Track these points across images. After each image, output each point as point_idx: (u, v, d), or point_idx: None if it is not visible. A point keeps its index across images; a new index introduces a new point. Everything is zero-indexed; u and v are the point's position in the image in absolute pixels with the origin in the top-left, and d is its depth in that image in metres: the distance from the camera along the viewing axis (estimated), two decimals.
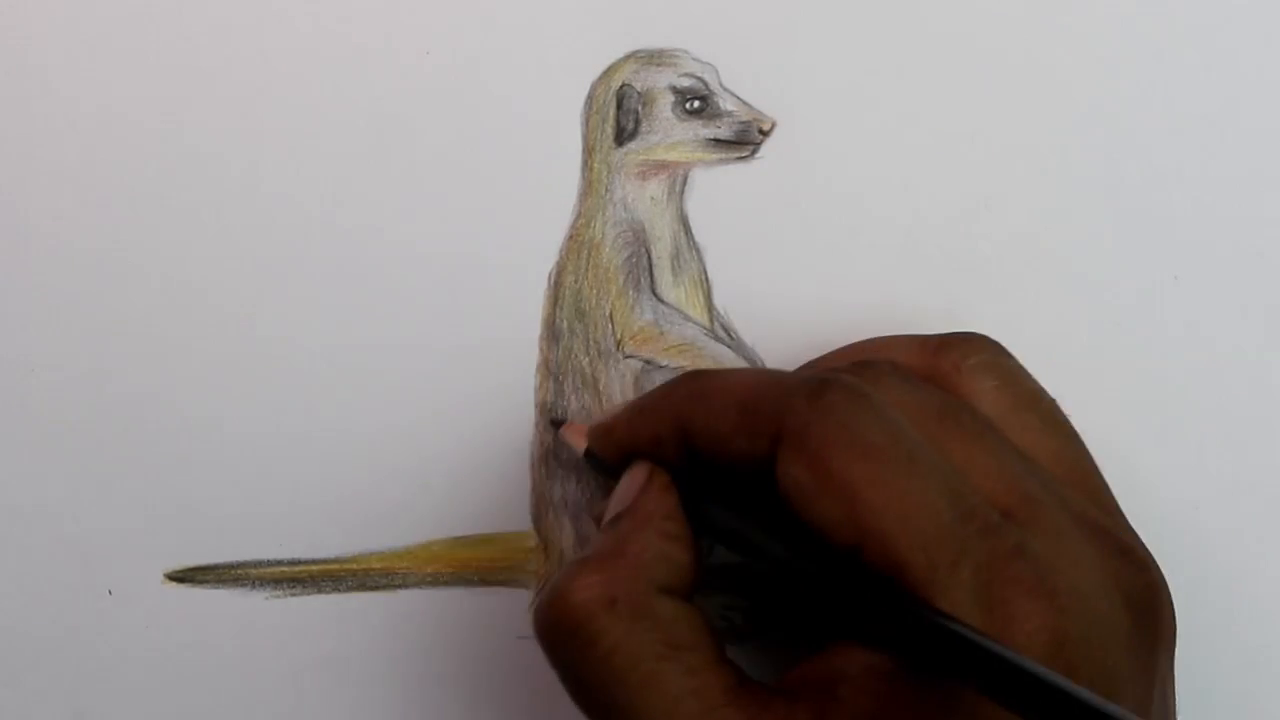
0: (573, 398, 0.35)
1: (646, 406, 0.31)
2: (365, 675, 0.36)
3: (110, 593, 0.36)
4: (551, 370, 0.35)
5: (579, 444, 0.33)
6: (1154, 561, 0.30)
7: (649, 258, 0.35)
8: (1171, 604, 0.30)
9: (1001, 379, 0.31)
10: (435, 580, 0.36)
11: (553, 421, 0.35)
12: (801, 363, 0.35)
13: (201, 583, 0.36)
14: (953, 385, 0.31)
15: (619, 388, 0.35)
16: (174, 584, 0.36)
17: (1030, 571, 0.26)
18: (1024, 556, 0.26)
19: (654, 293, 0.35)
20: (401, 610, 0.36)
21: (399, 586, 0.36)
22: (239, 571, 0.36)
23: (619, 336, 0.35)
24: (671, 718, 0.27)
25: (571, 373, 0.35)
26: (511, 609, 0.36)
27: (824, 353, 0.34)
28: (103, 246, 0.35)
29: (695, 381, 0.30)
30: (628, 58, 0.35)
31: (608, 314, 0.35)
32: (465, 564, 0.36)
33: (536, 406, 0.35)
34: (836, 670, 0.27)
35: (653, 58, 0.35)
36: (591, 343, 0.35)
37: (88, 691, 0.36)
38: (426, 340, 0.35)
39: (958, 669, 0.25)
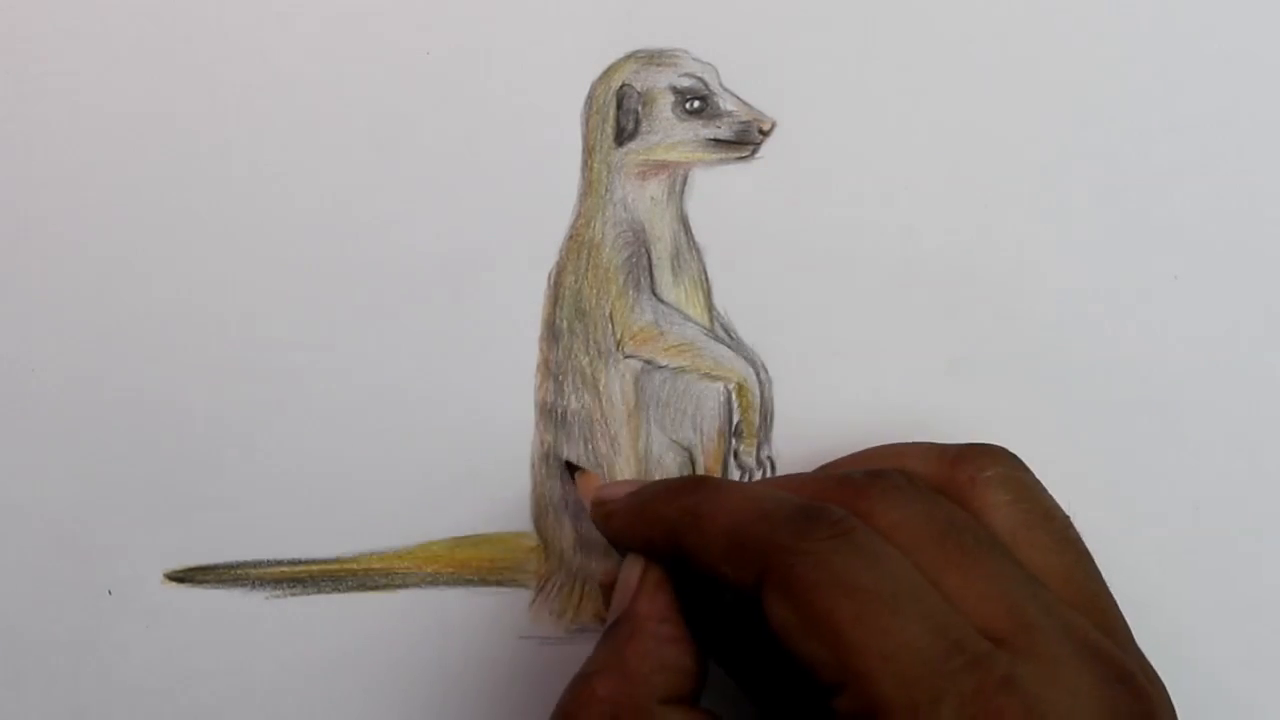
0: (573, 398, 0.35)
1: (645, 507, 0.31)
2: (365, 675, 0.36)
3: (110, 593, 0.36)
4: (551, 370, 0.35)
5: (586, 496, 0.33)
6: (1158, 687, 0.30)
7: (649, 258, 0.35)
8: None
9: (1016, 494, 0.31)
10: (435, 580, 0.36)
11: (567, 465, 0.35)
12: (802, 364, 0.35)
13: (201, 583, 0.36)
14: (966, 498, 0.31)
15: (619, 387, 0.35)
16: (174, 584, 0.36)
17: (1018, 704, 0.26)
18: (1012, 687, 0.26)
19: (654, 293, 0.35)
20: (401, 610, 0.36)
21: (399, 586, 0.36)
22: (239, 571, 0.36)
23: (619, 336, 0.35)
24: None
25: (571, 373, 0.35)
26: (511, 609, 0.36)
27: (826, 354, 0.35)
28: (103, 246, 0.35)
29: (692, 494, 0.30)
30: (628, 58, 0.35)
31: (608, 314, 0.35)
32: (465, 564, 0.36)
33: (536, 406, 0.35)
34: None
35: (653, 58, 0.35)
36: (591, 343, 0.35)
37: (88, 691, 0.36)
38: (427, 340, 0.35)
39: None
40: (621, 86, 0.35)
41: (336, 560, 0.36)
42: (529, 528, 0.36)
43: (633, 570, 0.31)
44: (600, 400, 0.35)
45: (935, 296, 0.35)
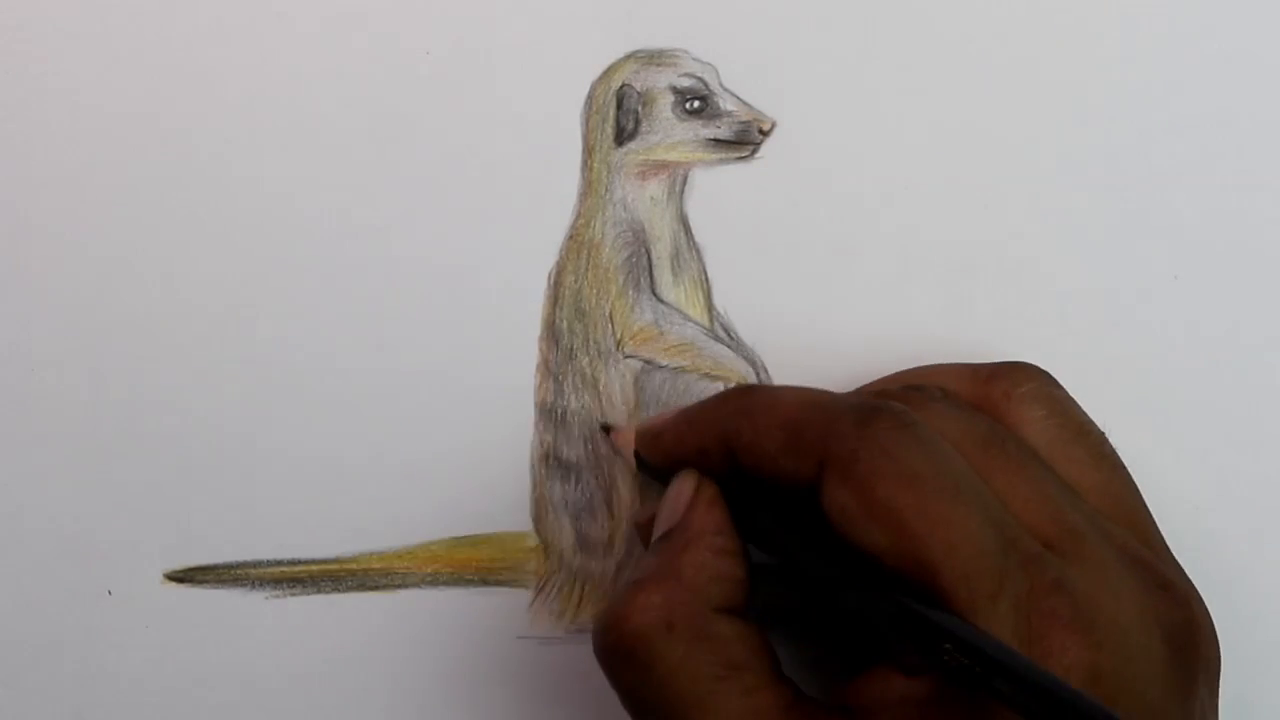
0: (573, 398, 0.35)
1: (694, 417, 0.31)
2: (365, 675, 0.36)
3: (110, 593, 0.36)
4: (551, 370, 0.35)
5: (626, 449, 0.33)
6: (1196, 596, 0.30)
7: (649, 258, 0.35)
8: (1214, 638, 0.30)
9: (1051, 409, 0.31)
10: (435, 580, 0.36)
11: (603, 427, 0.35)
12: (802, 364, 0.35)
13: (201, 583, 0.36)
14: (1002, 414, 0.31)
15: (619, 388, 0.35)
16: (174, 584, 0.36)
17: (1068, 605, 0.27)
18: (1063, 590, 0.27)
19: (654, 293, 0.35)
20: (401, 610, 0.36)
21: (399, 586, 0.36)
22: (239, 571, 0.36)
23: (619, 336, 0.35)
24: None
25: (571, 373, 0.35)
26: (511, 609, 0.36)
27: (826, 355, 0.35)
28: (103, 246, 0.35)
29: (743, 397, 0.30)
30: (628, 58, 0.35)
31: (608, 314, 0.35)
32: (465, 564, 0.36)
33: (536, 406, 0.35)
34: (873, 697, 0.28)
35: (653, 58, 0.35)
36: (591, 343, 0.35)
37: (88, 691, 0.36)
38: (427, 340, 0.35)
39: (999, 693, 0.25)
40: (621, 86, 0.35)
41: (336, 560, 0.36)
42: (529, 528, 0.36)
43: (685, 484, 0.31)
44: (600, 400, 0.35)
45: (935, 296, 0.35)
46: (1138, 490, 0.31)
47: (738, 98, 0.35)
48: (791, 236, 0.35)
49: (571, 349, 0.35)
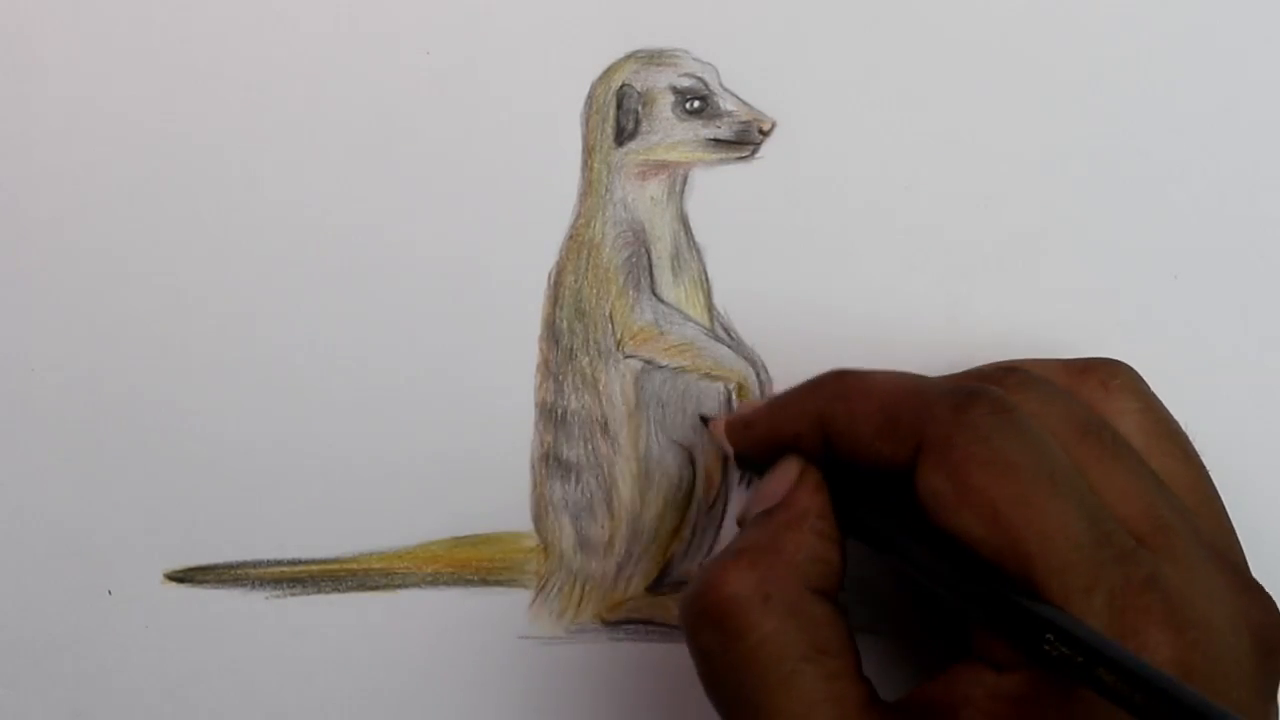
0: (573, 398, 0.35)
1: (789, 402, 0.31)
2: (365, 675, 0.36)
3: (110, 593, 0.36)
4: (551, 370, 0.35)
5: (727, 446, 0.33)
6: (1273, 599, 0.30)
7: (649, 258, 0.35)
8: None
9: (1144, 403, 0.31)
10: (435, 580, 0.36)
11: (701, 418, 0.35)
12: (802, 364, 0.35)
13: (201, 583, 0.36)
14: (1096, 403, 0.31)
15: (619, 388, 0.35)
16: (174, 584, 0.36)
17: (1162, 602, 0.26)
18: (1157, 586, 0.26)
19: (654, 293, 0.35)
20: (401, 610, 0.36)
21: (399, 586, 0.36)
22: (239, 571, 0.36)
23: (619, 336, 0.35)
24: None
25: (571, 373, 0.35)
26: (511, 609, 0.36)
27: (826, 354, 0.34)
28: (103, 246, 0.35)
29: (839, 382, 0.30)
30: (628, 58, 0.35)
31: (608, 314, 0.35)
32: (465, 564, 0.36)
33: (536, 406, 0.35)
34: (960, 693, 0.27)
35: (653, 58, 0.35)
36: (591, 343, 0.35)
37: (88, 691, 0.36)
38: (427, 340, 0.35)
39: (1101, 684, 0.25)
40: (621, 86, 0.35)
41: (336, 560, 0.36)
42: (529, 528, 0.36)
43: (791, 467, 0.30)
44: (600, 400, 0.35)
45: (935, 296, 0.35)
46: (1219, 494, 0.31)
47: (738, 98, 0.35)
48: (791, 236, 0.35)
49: (571, 349, 0.35)
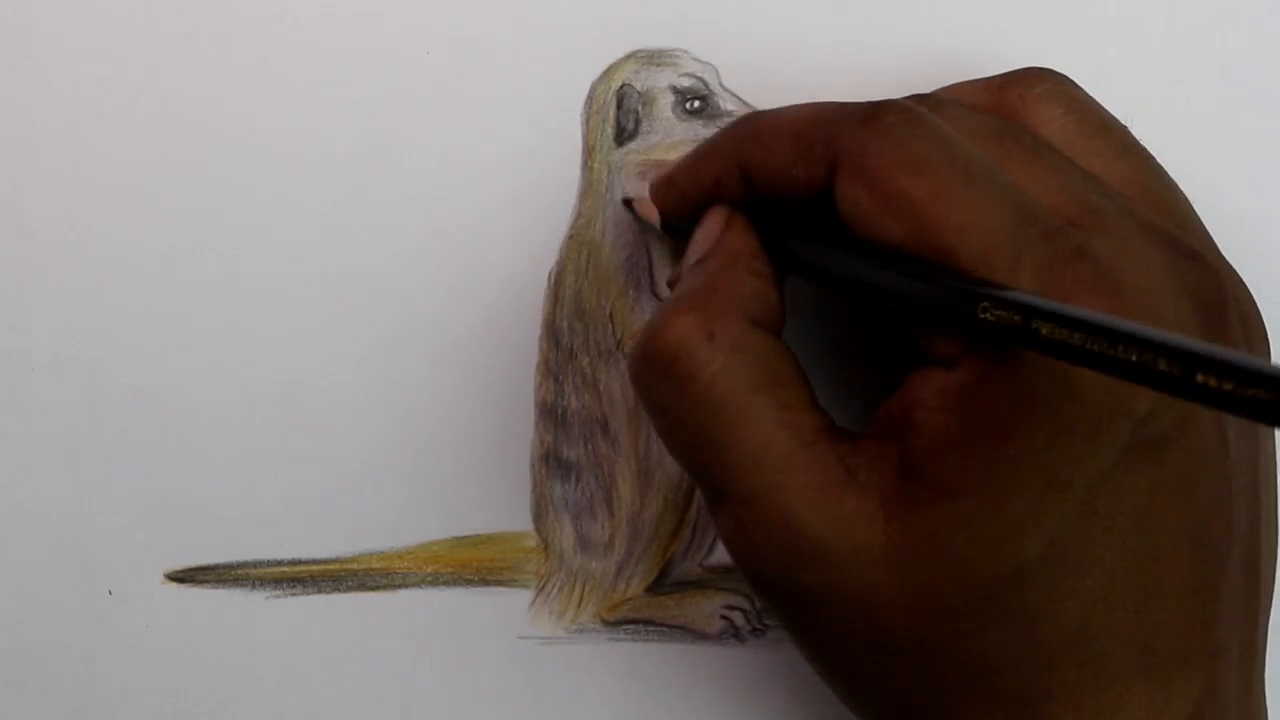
0: (573, 398, 0.35)
1: (704, 152, 0.31)
2: (365, 675, 0.36)
3: (110, 593, 0.36)
4: (551, 370, 0.35)
5: (652, 214, 0.33)
6: (1229, 268, 0.29)
7: (649, 258, 0.35)
8: (1252, 306, 0.30)
9: (1068, 106, 0.31)
10: (435, 580, 0.36)
11: (624, 201, 0.35)
12: (803, 361, 0.35)
13: (201, 583, 0.36)
14: (1018, 116, 0.30)
15: (619, 387, 0.35)
16: (174, 584, 0.36)
17: (1092, 270, 0.26)
18: (1086, 257, 0.26)
19: (654, 293, 0.35)
20: (401, 610, 0.36)
21: (399, 586, 0.36)
22: (239, 571, 0.36)
23: (619, 336, 0.35)
24: (764, 450, 0.27)
25: (571, 373, 0.35)
26: (511, 609, 0.36)
27: (825, 349, 0.34)
28: (103, 245, 0.35)
29: (749, 122, 0.30)
30: (628, 58, 0.35)
31: (608, 314, 0.35)
32: (465, 564, 0.36)
33: (536, 406, 0.35)
34: (911, 399, 0.28)
35: (653, 58, 0.35)
36: (592, 343, 0.35)
37: (88, 691, 0.36)
38: (427, 340, 0.35)
39: (1040, 339, 0.24)
40: (621, 86, 0.35)
41: (336, 560, 0.36)
42: (529, 528, 0.36)
43: (717, 216, 0.30)
44: (600, 400, 0.35)
45: None
46: (1168, 176, 0.31)
47: (738, 98, 0.35)
48: None
49: (572, 349, 0.35)
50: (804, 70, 0.35)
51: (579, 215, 0.35)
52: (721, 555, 0.36)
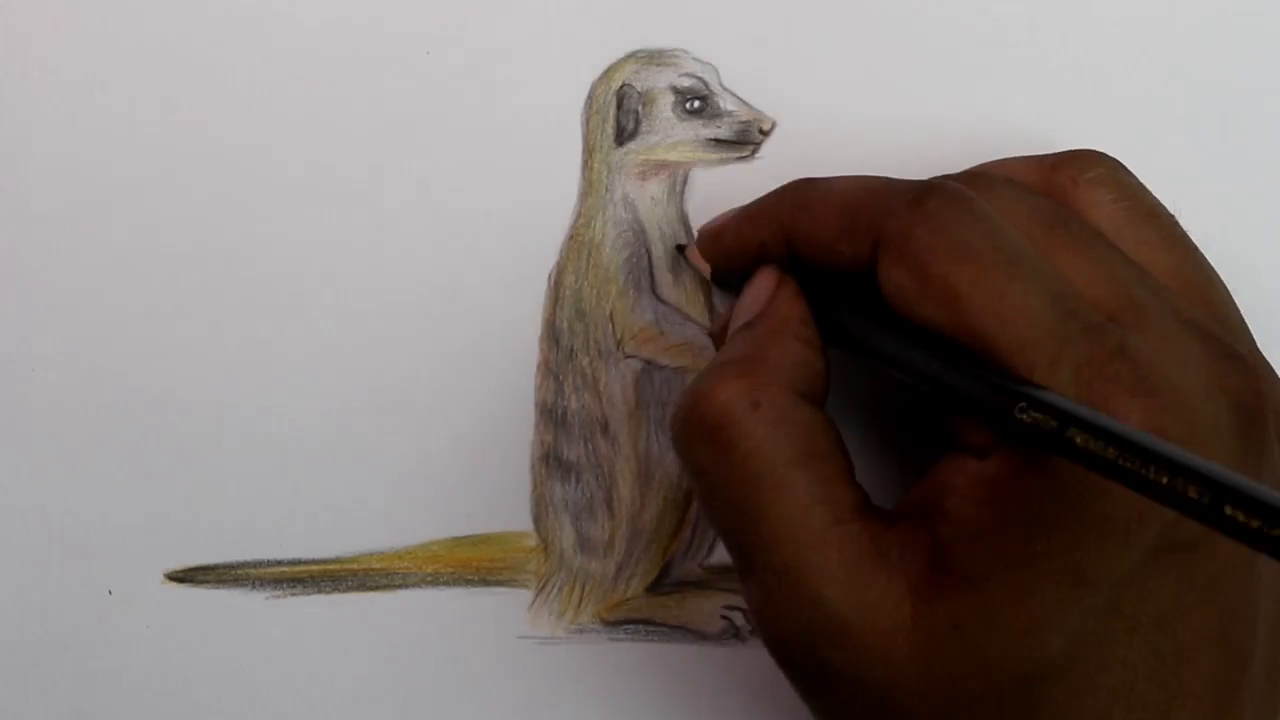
0: (573, 398, 0.35)
1: (752, 213, 0.31)
2: (365, 675, 0.36)
3: (110, 593, 0.36)
4: (551, 370, 0.35)
5: (703, 265, 0.33)
6: (1268, 369, 0.29)
7: (649, 258, 0.35)
8: None
9: (1119, 193, 0.30)
10: (435, 580, 0.36)
11: (677, 247, 0.35)
12: None
13: (201, 583, 0.36)
14: (1069, 199, 0.30)
15: (619, 388, 0.35)
16: (174, 584, 0.36)
17: (1131, 370, 0.26)
18: (1125, 355, 0.26)
19: (654, 293, 0.35)
20: (401, 610, 0.36)
21: (399, 586, 0.36)
22: (239, 571, 0.36)
23: (619, 336, 0.35)
24: (799, 525, 0.27)
25: (572, 373, 0.35)
26: (511, 609, 0.36)
27: (835, 365, 0.34)
28: (103, 245, 0.35)
29: (799, 190, 0.30)
30: (628, 58, 0.35)
31: (608, 314, 0.35)
32: (465, 564, 0.36)
33: (536, 406, 0.35)
34: (944, 484, 0.28)
35: (653, 58, 0.35)
36: (592, 343, 0.35)
37: (88, 691, 0.36)
38: (427, 340, 0.35)
39: (1074, 448, 0.25)
40: (621, 86, 0.35)
41: (336, 560, 0.36)
42: (529, 528, 0.36)
43: (768, 277, 0.30)
44: (600, 400, 0.35)
45: None
46: (1213, 271, 0.31)
47: (738, 98, 0.35)
48: None
49: (572, 349, 0.35)
50: (804, 70, 0.35)
51: (579, 215, 0.35)
52: (721, 555, 0.36)
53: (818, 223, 0.29)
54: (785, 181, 0.33)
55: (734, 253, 0.32)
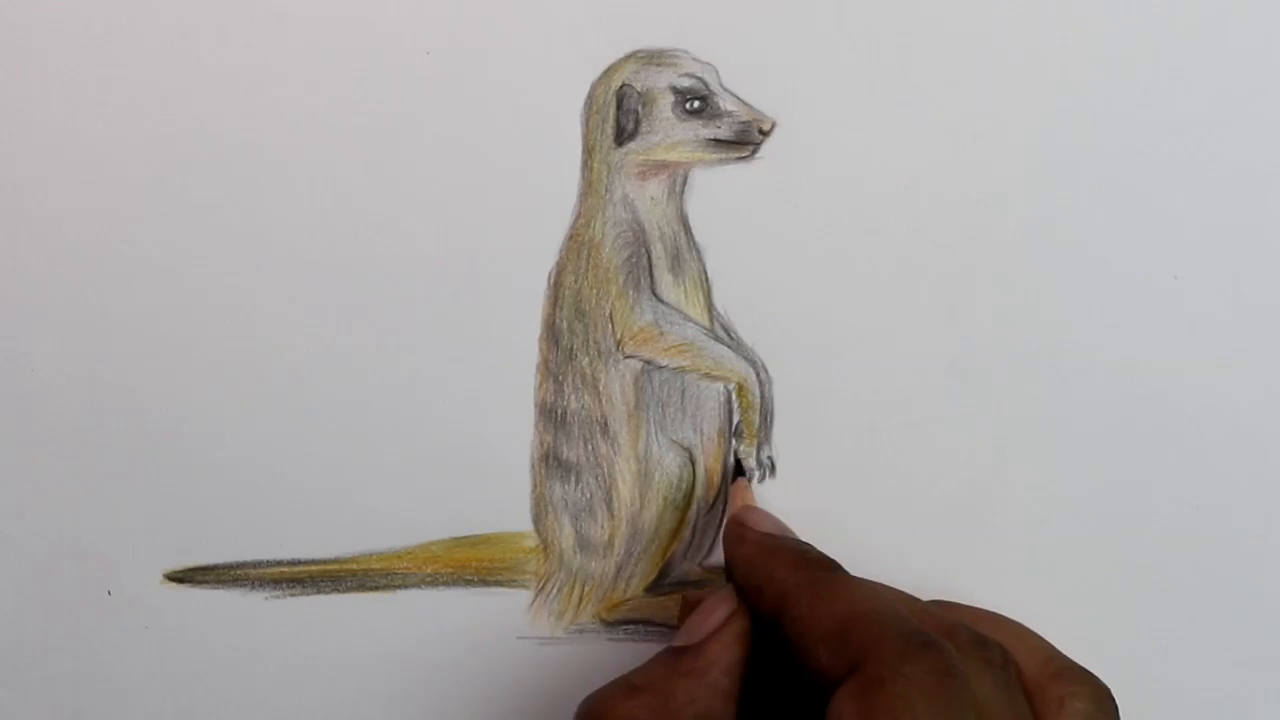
0: (573, 398, 0.35)
1: (773, 557, 0.31)
2: (365, 675, 0.36)
3: (110, 593, 0.36)
4: (551, 370, 0.35)
5: (732, 511, 0.33)
6: None
7: (649, 258, 0.35)
8: None
9: None
10: (435, 580, 0.36)
11: (737, 462, 0.35)
12: (802, 364, 0.35)
13: (201, 583, 0.36)
14: (1047, 715, 0.30)
15: (619, 388, 0.35)
16: (174, 584, 0.36)
17: None
18: None
19: (654, 293, 0.35)
20: (401, 610, 0.36)
21: (399, 586, 0.36)
22: (239, 571, 0.36)
23: (619, 336, 0.35)
24: None
25: (571, 373, 0.35)
26: (511, 609, 0.36)
27: (825, 349, 0.34)
28: (103, 246, 0.35)
29: (819, 571, 0.30)
30: (628, 58, 0.35)
31: (608, 314, 0.35)
32: (464, 564, 0.36)
33: (536, 406, 0.35)
34: None
35: (653, 58, 0.35)
36: (591, 343, 0.35)
37: (88, 691, 0.36)
38: (427, 340, 0.35)
39: None
40: (621, 86, 0.35)
41: (336, 560, 0.36)
42: (529, 528, 0.36)
43: (722, 607, 0.31)
44: (600, 400, 0.35)
45: (935, 297, 0.35)
46: None
47: (738, 98, 0.35)
48: (791, 236, 0.35)
49: (571, 349, 0.35)
50: (804, 70, 0.35)
51: (579, 215, 0.35)
52: (721, 555, 0.36)
53: (814, 617, 0.29)
54: (785, 188, 0.33)
55: (738, 568, 0.32)
